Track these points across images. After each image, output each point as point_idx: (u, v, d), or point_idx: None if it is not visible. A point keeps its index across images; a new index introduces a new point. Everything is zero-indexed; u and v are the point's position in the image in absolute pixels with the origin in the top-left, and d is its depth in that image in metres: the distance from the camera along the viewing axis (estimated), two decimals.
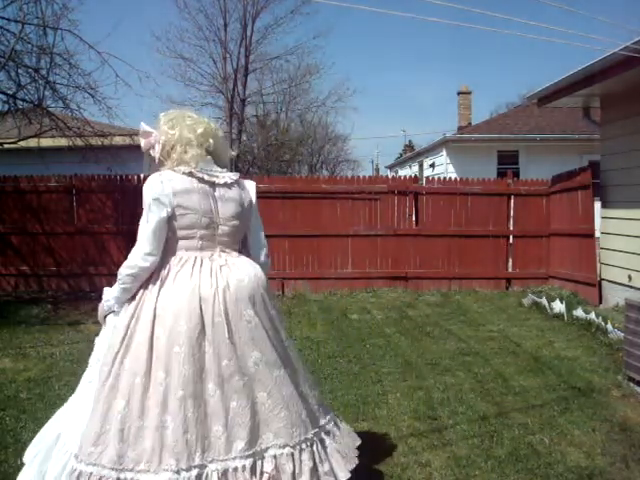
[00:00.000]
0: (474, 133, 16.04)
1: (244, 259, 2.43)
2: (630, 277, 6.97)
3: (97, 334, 2.54)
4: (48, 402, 4.08)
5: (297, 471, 2.24)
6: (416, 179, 9.82)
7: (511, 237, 9.22)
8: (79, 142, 8.06)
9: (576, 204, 8.16)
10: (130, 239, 9.94)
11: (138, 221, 2.42)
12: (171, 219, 2.30)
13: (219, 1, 20.22)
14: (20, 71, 7.30)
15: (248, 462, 2.19)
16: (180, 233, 2.33)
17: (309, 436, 2.33)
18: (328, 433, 2.46)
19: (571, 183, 8.29)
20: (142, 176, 9.14)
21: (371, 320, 6.98)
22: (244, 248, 2.52)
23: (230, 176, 2.40)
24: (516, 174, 11.84)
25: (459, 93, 19.94)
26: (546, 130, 15.53)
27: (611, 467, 3.11)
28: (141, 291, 2.33)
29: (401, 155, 33.02)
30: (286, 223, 8.84)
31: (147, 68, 27.97)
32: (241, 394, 2.22)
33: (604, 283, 7.61)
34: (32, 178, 8.78)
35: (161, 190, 2.26)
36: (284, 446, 2.25)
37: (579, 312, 6.52)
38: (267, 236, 2.57)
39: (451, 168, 15.83)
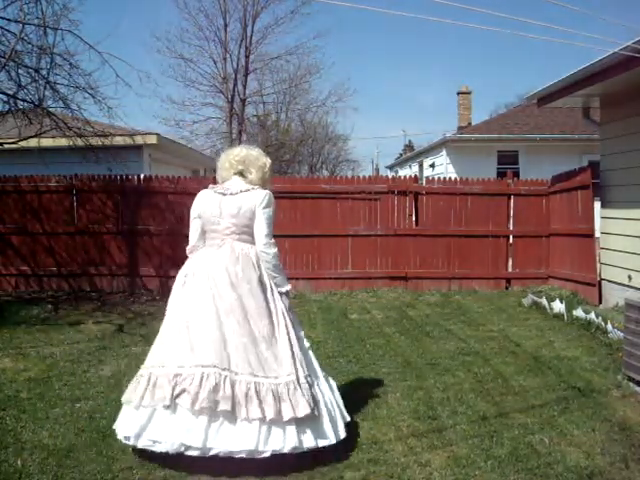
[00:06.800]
0: (474, 133, 16.04)
1: (233, 245, 3.30)
2: (630, 277, 6.98)
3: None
4: (48, 402, 4.09)
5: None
6: (416, 179, 9.82)
7: (511, 237, 9.23)
8: (79, 142, 8.04)
9: (576, 204, 8.16)
10: (130, 239, 9.99)
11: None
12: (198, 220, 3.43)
13: (219, 1, 20.23)
14: (20, 71, 7.28)
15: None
16: (203, 228, 3.42)
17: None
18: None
19: (571, 183, 8.29)
20: (142, 176, 9.15)
21: (371, 320, 6.98)
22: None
23: (233, 190, 3.33)
24: (516, 174, 11.82)
25: (459, 93, 19.94)
26: (546, 130, 15.53)
27: (611, 467, 3.11)
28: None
29: (401, 155, 33.01)
30: (286, 223, 8.83)
31: (147, 68, 27.86)
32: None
33: (604, 283, 7.61)
34: (32, 178, 8.78)
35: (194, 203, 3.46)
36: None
37: (579, 312, 6.52)
38: None
39: (451, 168, 15.83)
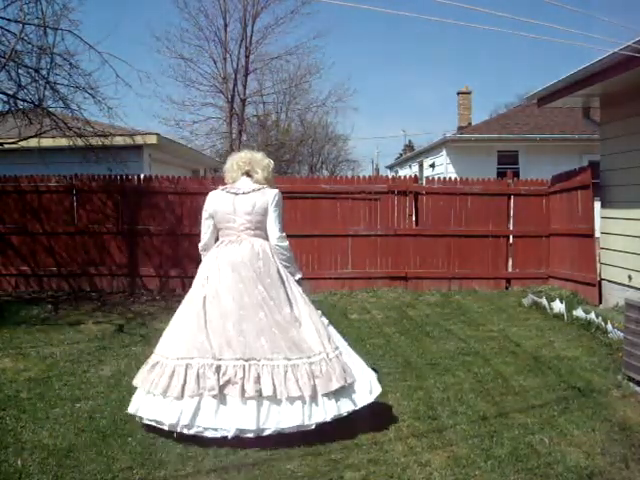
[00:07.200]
0: (474, 133, 16.04)
1: (250, 240, 3.60)
2: (630, 277, 6.97)
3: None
4: (48, 402, 4.09)
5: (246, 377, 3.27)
6: (416, 179, 9.82)
7: (511, 237, 9.22)
8: (79, 142, 8.03)
9: (576, 204, 8.16)
10: (130, 239, 9.99)
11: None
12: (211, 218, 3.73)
13: (219, 1, 20.24)
14: (20, 71, 7.27)
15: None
16: (217, 226, 3.72)
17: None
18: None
19: (571, 183, 8.29)
20: (142, 176, 9.15)
21: (371, 320, 6.98)
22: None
23: (246, 189, 3.65)
24: (516, 174, 11.82)
25: (459, 93, 19.93)
26: (546, 130, 15.53)
27: (611, 467, 3.11)
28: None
29: (401, 155, 33.01)
30: (286, 223, 8.71)
31: (147, 68, 27.85)
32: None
33: (604, 283, 7.61)
34: (33, 178, 8.77)
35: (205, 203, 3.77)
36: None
37: (579, 312, 6.52)
38: None
39: (451, 168, 15.83)
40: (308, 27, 55.00)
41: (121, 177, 8.86)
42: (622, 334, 4.74)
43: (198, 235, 3.80)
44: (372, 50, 65.35)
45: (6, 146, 8.20)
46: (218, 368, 3.28)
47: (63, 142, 8.39)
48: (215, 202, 3.68)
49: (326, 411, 3.31)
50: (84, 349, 5.57)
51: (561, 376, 4.64)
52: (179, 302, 3.67)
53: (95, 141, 8.18)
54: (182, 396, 3.26)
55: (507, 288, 9.03)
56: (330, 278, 8.91)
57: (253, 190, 3.63)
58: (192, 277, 3.61)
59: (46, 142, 9.23)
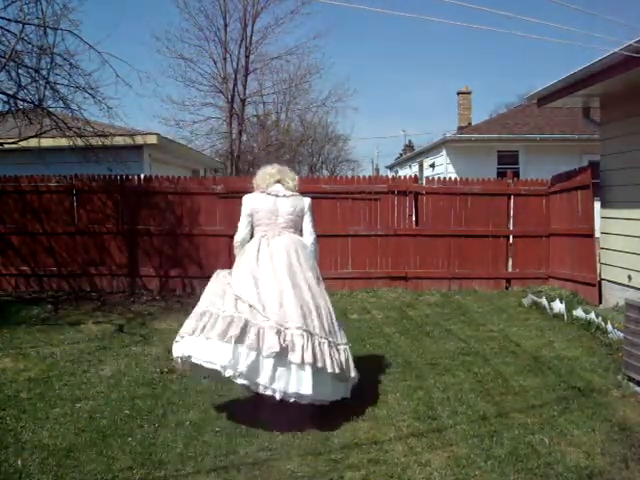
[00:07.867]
0: (474, 133, 16.03)
1: (291, 235, 4.08)
2: (630, 277, 6.97)
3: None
4: (48, 402, 4.09)
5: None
6: (416, 179, 9.81)
7: (511, 237, 9.22)
8: (79, 142, 8.02)
9: (576, 204, 8.16)
10: (130, 239, 10.00)
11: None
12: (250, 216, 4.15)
13: (219, 1, 20.21)
14: (21, 71, 7.26)
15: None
16: (256, 222, 4.13)
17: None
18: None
19: (571, 183, 8.29)
20: (142, 176, 9.15)
21: (371, 320, 6.98)
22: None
23: (286, 193, 4.15)
24: (516, 174, 11.82)
25: (459, 93, 19.92)
26: (546, 130, 15.53)
27: (611, 467, 3.11)
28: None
29: (401, 155, 33.00)
30: None
31: (147, 68, 27.76)
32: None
33: (604, 283, 7.61)
34: (33, 178, 8.77)
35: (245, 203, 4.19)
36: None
37: (579, 312, 6.52)
38: None
39: (451, 168, 15.83)
40: (308, 27, 55.00)
41: (121, 177, 8.86)
42: (622, 334, 4.74)
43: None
44: (372, 50, 65.30)
45: (6, 146, 8.20)
46: (279, 332, 3.55)
47: (63, 142, 8.38)
48: (256, 202, 4.13)
49: (341, 392, 3.81)
50: (84, 349, 5.57)
51: (561, 376, 4.64)
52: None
53: (95, 141, 8.17)
54: (243, 342, 3.47)
55: (507, 288, 9.03)
56: (330, 278, 8.82)
57: (292, 195, 4.16)
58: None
59: (46, 142, 9.21)
